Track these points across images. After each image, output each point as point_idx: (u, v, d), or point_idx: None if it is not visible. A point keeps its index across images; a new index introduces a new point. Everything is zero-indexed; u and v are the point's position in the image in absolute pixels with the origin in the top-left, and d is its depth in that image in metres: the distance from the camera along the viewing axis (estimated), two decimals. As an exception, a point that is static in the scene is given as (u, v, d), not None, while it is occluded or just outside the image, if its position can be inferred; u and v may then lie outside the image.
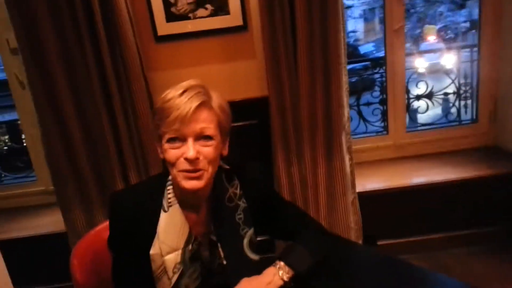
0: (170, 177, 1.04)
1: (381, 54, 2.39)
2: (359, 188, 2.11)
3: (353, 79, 2.64)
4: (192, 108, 0.94)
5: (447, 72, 2.66)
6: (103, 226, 1.24)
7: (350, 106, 2.12)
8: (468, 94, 2.51)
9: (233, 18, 1.91)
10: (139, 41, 1.87)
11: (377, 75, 2.54)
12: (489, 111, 2.40)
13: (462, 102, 2.56)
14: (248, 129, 2.05)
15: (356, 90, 2.60)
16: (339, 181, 1.97)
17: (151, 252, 1.01)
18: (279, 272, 1.04)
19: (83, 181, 1.96)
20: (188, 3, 1.89)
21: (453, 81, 2.56)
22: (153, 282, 1.03)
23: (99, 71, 1.82)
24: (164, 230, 1.01)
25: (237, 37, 1.97)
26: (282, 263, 1.05)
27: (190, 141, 0.96)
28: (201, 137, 0.96)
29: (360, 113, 2.56)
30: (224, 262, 1.07)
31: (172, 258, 1.02)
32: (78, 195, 1.98)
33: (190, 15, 1.90)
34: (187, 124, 0.95)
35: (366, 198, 2.12)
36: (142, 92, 1.87)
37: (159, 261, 1.02)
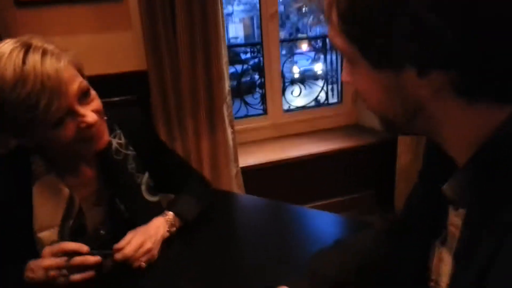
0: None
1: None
2: (242, 163, 2.18)
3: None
4: (57, 72, 0.79)
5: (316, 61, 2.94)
6: None
7: (233, 93, 2.17)
8: (334, 79, 2.80)
9: (105, -15, 1.82)
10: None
11: (256, 60, 2.65)
12: (352, 93, 2.71)
13: (330, 87, 2.84)
14: (125, 105, 1.96)
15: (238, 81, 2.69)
16: (222, 154, 2.00)
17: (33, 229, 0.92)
18: (167, 223, 1.02)
19: None
20: (54, -35, 1.74)
21: (323, 77, 2.82)
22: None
23: None
24: (36, 206, 0.91)
25: (110, 6, 1.88)
26: (171, 214, 1.04)
27: (78, 108, 0.84)
28: (81, 94, 0.85)
29: (242, 97, 2.65)
30: (127, 215, 1.02)
31: (47, 236, 0.92)
32: None
33: (57, -22, 1.75)
34: (64, 94, 0.80)
35: (248, 173, 2.21)
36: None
37: (36, 238, 0.92)
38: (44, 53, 0.80)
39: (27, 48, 0.79)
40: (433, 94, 0.46)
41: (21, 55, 0.78)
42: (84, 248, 0.87)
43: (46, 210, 0.92)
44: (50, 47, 0.82)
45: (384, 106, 0.52)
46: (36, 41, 0.82)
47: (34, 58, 0.78)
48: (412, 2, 0.41)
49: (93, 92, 0.89)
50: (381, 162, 2.44)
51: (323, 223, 1.20)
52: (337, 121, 2.70)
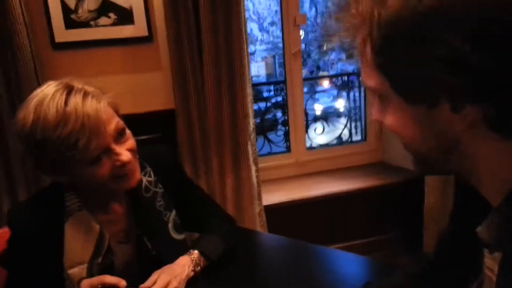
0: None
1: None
2: (265, 201, 2.16)
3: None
4: (97, 112, 0.83)
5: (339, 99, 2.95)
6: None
7: (256, 130, 2.20)
8: (358, 116, 2.80)
9: (138, 29, 1.91)
10: (34, 47, 1.77)
11: (279, 98, 2.70)
12: (376, 131, 2.69)
13: (353, 124, 2.84)
14: (152, 143, 1.99)
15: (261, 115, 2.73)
16: (246, 191, 1.99)
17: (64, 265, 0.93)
18: (192, 263, 1.01)
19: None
20: (90, 11, 1.84)
21: (346, 114, 2.83)
22: None
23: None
24: (68, 242, 0.93)
25: (142, 48, 1.96)
26: (196, 253, 1.03)
27: (114, 147, 0.88)
28: (118, 134, 0.89)
29: (265, 135, 2.68)
30: (154, 253, 1.02)
31: (77, 273, 0.93)
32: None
33: (92, 23, 1.86)
34: (102, 133, 0.84)
35: (271, 211, 2.18)
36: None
37: (65, 274, 0.93)
38: (85, 94, 0.84)
39: (69, 90, 0.84)
40: (466, 129, 0.46)
41: (63, 96, 0.82)
42: (122, 282, 0.87)
43: (77, 247, 0.93)
44: (90, 89, 0.87)
45: (418, 142, 0.51)
46: (77, 84, 0.86)
47: (75, 100, 0.82)
48: (449, 33, 0.41)
49: (128, 132, 0.92)
50: (408, 201, 2.38)
51: (349, 265, 1.16)
52: (361, 159, 2.67)
